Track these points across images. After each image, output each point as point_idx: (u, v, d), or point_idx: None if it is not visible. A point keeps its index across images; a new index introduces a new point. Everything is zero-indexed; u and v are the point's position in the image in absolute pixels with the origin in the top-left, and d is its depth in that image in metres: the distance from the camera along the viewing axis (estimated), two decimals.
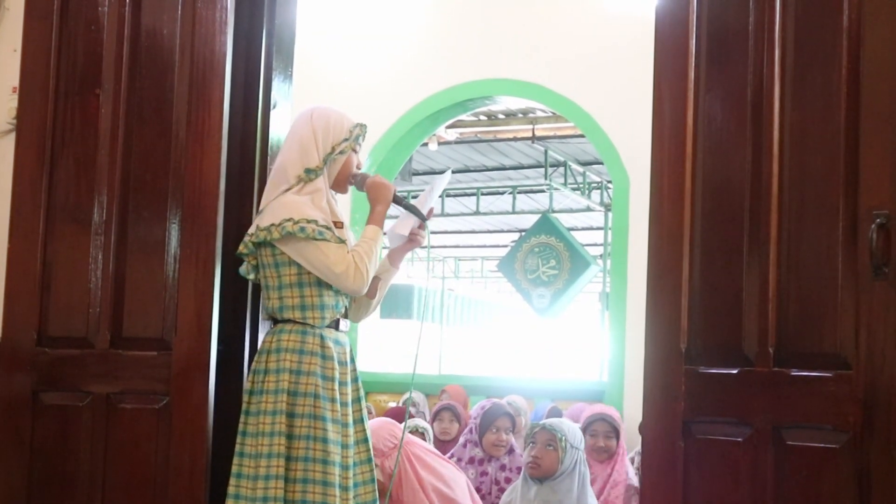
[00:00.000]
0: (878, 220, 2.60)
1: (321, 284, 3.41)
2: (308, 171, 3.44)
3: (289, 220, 3.34)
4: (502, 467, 5.49)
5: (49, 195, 3.65)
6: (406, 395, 7.90)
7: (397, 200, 3.62)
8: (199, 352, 3.42)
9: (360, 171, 3.62)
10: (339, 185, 3.57)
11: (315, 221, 3.35)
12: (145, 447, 3.46)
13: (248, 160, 3.73)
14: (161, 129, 3.56)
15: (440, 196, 3.74)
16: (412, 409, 7.43)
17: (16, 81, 3.83)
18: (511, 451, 5.57)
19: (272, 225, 3.35)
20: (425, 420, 6.79)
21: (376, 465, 4.11)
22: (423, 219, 3.63)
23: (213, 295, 3.44)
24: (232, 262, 3.57)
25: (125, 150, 3.60)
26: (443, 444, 6.25)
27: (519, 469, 5.41)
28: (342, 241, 3.41)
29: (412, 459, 4.41)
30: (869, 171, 2.67)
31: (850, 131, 2.72)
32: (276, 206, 3.39)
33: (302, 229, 3.33)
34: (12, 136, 3.91)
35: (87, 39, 3.68)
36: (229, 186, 3.55)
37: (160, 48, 3.60)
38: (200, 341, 3.42)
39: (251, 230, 3.45)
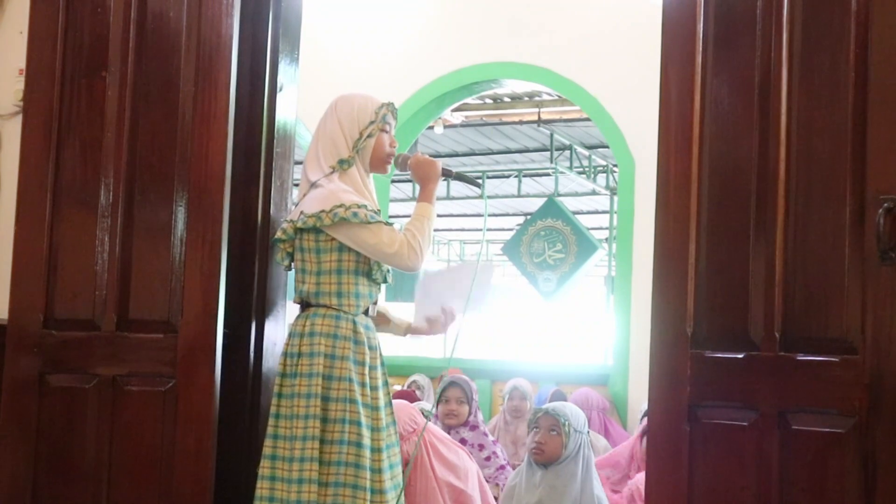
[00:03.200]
0: (885, 204, 2.60)
1: (358, 273, 3.43)
2: (341, 161, 3.46)
3: (340, 206, 3.35)
4: (462, 441, 5.50)
5: (55, 178, 3.65)
6: (411, 379, 7.92)
7: (447, 174, 3.64)
8: (206, 334, 3.42)
9: (401, 153, 3.63)
10: (376, 166, 3.56)
11: (365, 206, 3.38)
12: (151, 430, 3.46)
13: (255, 143, 3.74)
14: (167, 111, 3.56)
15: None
16: (418, 393, 7.45)
17: (22, 63, 3.82)
18: (465, 423, 5.58)
19: (322, 212, 3.36)
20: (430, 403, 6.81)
21: None
22: (478, 186, 3.68)
23: (220, 277, 3.44)
24: (238, 245, 3.58)
25: (131, 133, 3.59)
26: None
27: (482, 446, 5.45)
28: (391, 224, 3.44)
29: (429, 448, 4.41)
30: (876, 156, 2.66)
31: (857, 115, 2.72)
32: (322, 195, 3.40)
33: (355, 214, 3.35)
34: (19, 119, 3.90)
35: (93, 22, 3.67)
36: (235, 169, 3.55)
37: (166, 31, 3.60)
38: (207, 324, 3.42)
39: (293, 216, 3.46)
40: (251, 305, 3.69)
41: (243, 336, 3.67)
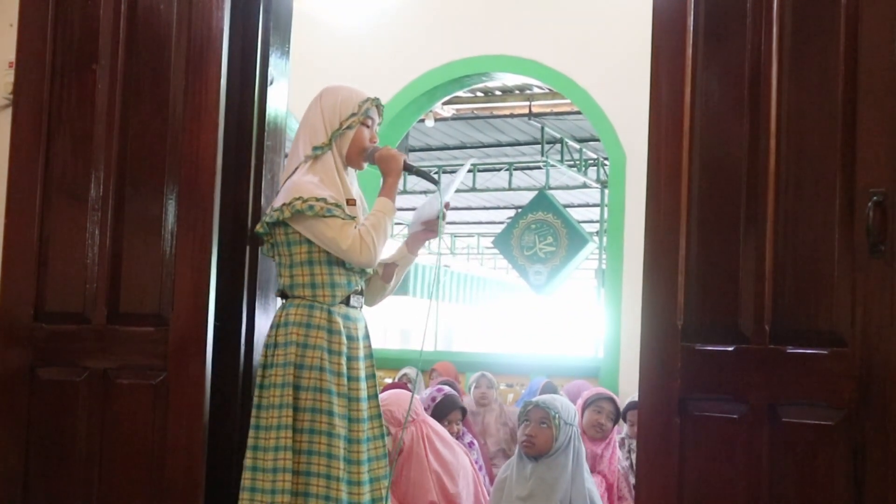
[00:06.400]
0: (874, 197, 2.60)
1: (331, 263, 3.44)
2: (315, 148, 3.47)
3: (298, 198, 3.37)
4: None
5: (46, 171, 3.65)
6: (402, 372, 7.92)
7: (408, 169, 3.63)
8: (196, 327, 3.42)
9: (372, 145, 3.61)
10: (352, 160, 3.57)
11: (324, 199, 3.38)
12: (142, 422, 3.47)
13: (245, 136, 3.73)
14: (158, 104, 3.55)
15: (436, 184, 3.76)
16: (410, 386, 7.44)
17: (12, 56, 3.82)
18: (462, 434, 5.61)
19: (283, 205, 3.40)
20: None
21: (389, 433, 4.14)
22: (435, 183, 3.65)
23: (210, 270, 3.44)
24: (229, 238, 3.57)
25: (122, 126, 3.59)
26: None
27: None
28: (352, 218, 3.43)
29: (425, 440, 4.42)
30: (866, 149, 2.66)
31: (847, 108, 2.72)
32: (288, 187, 3.43)
33: (310, 207, 3.36)
34: (9, 112, 3.90)
35: (83, 14, 3.67)
36: (226, 162, 3.55)
37: (157, 23, 3.59)
38: (197, 317, 3.42)
39: (267, 211, 3.50)
40: (242, 298, 3.69)
41: (234, 329, 3.66)
